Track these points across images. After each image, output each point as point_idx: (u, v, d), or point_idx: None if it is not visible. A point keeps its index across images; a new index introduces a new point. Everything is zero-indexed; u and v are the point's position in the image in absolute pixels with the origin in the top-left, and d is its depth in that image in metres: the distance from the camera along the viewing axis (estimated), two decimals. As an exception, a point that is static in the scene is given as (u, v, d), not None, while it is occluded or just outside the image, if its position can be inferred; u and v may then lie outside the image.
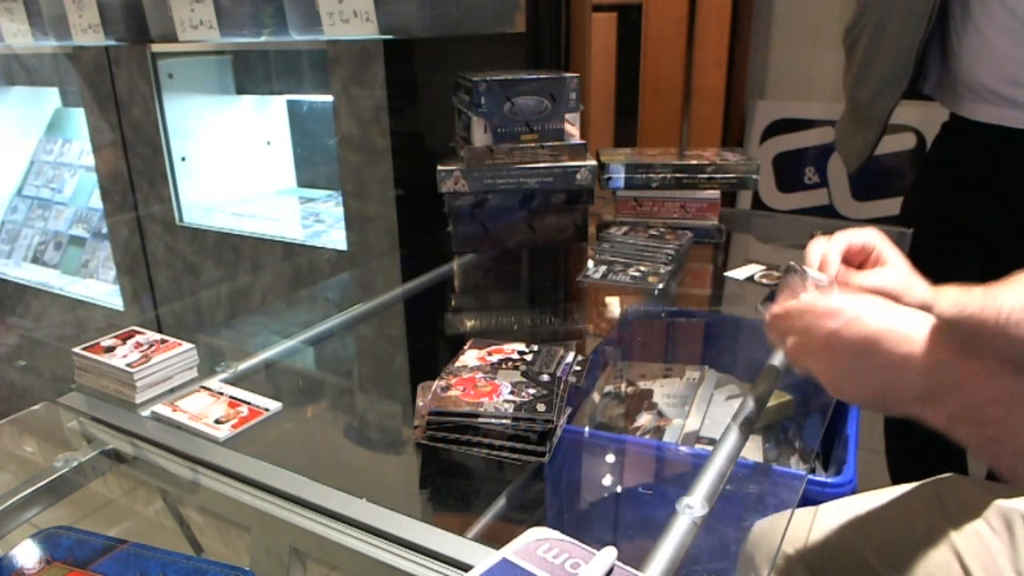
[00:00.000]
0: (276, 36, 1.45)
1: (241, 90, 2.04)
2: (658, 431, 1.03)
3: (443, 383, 0.79)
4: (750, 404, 0.79)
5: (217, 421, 0.80)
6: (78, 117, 2.47)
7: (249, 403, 0.84)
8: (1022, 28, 1.06)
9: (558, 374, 0.82)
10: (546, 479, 0.77)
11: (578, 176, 1.28)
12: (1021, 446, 0.58)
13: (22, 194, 2.76)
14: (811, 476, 0.92)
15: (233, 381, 0.90)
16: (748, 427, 0.76)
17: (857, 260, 0.80)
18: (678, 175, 1.37)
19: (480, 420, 0.73)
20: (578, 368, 0.89)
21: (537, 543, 0.54)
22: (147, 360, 0.85)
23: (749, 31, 2.05)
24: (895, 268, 0.76)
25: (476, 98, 1.23)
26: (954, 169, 1.27)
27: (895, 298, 0.70)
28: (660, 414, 1.07)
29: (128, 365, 0.84)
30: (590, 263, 1.21)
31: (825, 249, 0.78)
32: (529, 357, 0.86)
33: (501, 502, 0.73)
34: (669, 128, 2.20)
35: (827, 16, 1.96)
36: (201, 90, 1.95)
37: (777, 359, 0.87)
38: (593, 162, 1.29)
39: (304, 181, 2.21)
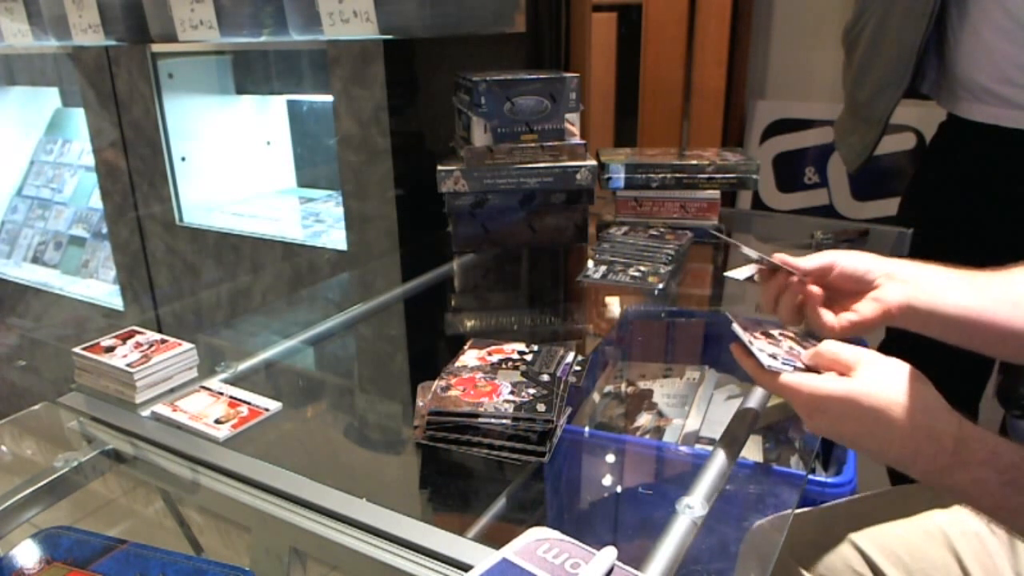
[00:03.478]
0: (276, 36, 1.45)
1: (241, 90, 2.04)
2: (658, 431, 1.03)
3: (443, 383, 0.79)
4: (750, 404, 0.79)
5: (217, 421, 0.80)
6: (78, 117, 2.47)
7: (249, 403, 0.84)
8: (1018, 28, 1.07)
9: (558, 374, 0.82)
10: (546, 479, 0.77)
11: (578, 176, 1.28)
12: None
13: (22, 194, 2.76)
14: (811, 476, 0.92)
15: (233, 381, 0.90)
16: (748, 427, 0.76)
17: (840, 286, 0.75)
18: (678, 175, 1.37)
19: (480, 420, 0.73)
20: (578, 368, 0.89)
21: (537, 543, 0.54)
22: (147, 360, 0.85)
23: (749, 31, 2.05)
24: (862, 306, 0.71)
25: (476, 98, 1.23)
26: (951, 169, 1.27)
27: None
28: (660, 414, 1.07)
29: (128, 365, 0.84)
30: (590, 263, 1.21)
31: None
32: (529, 357, 0.86)
33: (501, 502, 0.73)
34: (669, 128, 2.20)
35: (827, 16, 1.96)
36: (201, 90, 1.95)
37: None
38: (593, 162, 1.29)
39: (304, 181, 2.21)
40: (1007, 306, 0.66)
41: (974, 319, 0.67)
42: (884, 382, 0.60)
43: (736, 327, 0.74)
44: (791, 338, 0.75)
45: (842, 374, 0.63)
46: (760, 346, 0.70)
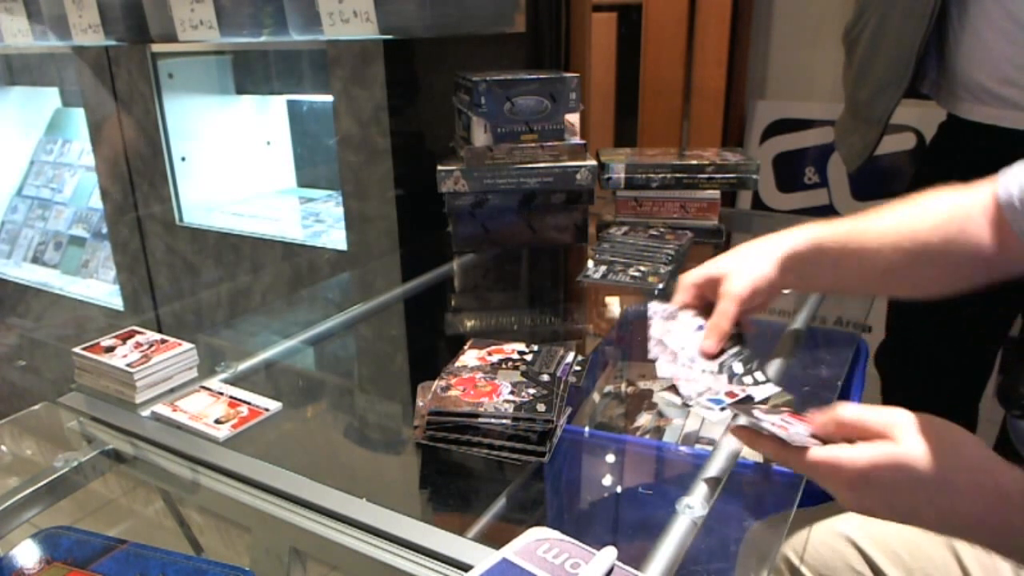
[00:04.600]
0: (276, 36, 1.45)
1: (241, 90, 2.04)
2: (658, 431, 1.03)
3: (443, 383, 0.79)
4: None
5: (217, 421, 0.80)
6: (78, 117, 2.47)
7: (249, 403, 0.84)
8: (1017, 28, 1.07)
9: (558, 374, 0.82)
10: (546, 479, 0.77)
11: (578, 176, 1.28)
12: None
13: (22, 194, 2.76)
14: (811, 476, 0.92)
15: (233, 381, 0.90)
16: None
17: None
18: (678, 175, 1.37)
19: (480, 420, 0.73)
20: (578, 368, 0.89)
21: (537, 543, 0.54)
22: (147, 360, 0.85)
23: (749, 31, 2.05)
24: None
25: (476, 98, 1.23)
26: (951, 169, 1.26)
27: None
28: (660, 414, 1.07)
29: (128, 365, 0.84)
30: (590, 263, 1.21)
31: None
32: (529, 357, 0.86)
33: (501, 502, 0.73)
34: (669, 128, 2.20)
35: (827, 16, 1.96)
36: (201, 90, 1.95)
37: (776, 362, 0.87)
38: (593, 162, 1.29)
39: (304, 181, 2.21)
40: (856, 278, 0.72)
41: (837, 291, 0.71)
42: (934, 442, 0.53)
43: (748, 416, 0.63)
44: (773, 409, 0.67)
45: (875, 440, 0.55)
46: (769, 419, 0.62)
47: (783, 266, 0.80)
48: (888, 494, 0.53)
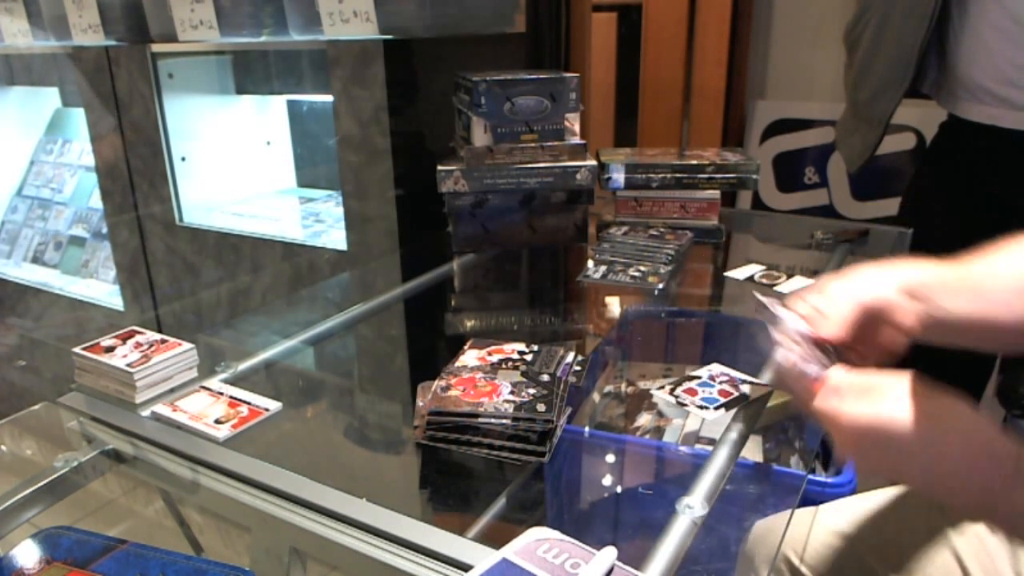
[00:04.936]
0: (276, 36, 1.45)
1: (241, 90, 2.04)
2: (658, 431, 1.03)
3: (443, 383, 0.79)
4: (749, 403, 0.79)
5: (217, 421, 0.80)
6: (78, 117, 2.47)
7: (249, 403, 0.84)
8: (1018, 28, 1.07)
9: (558, 374, 0.82)
10: (546, 479, 0.77)
11: (578, 176, 1.28)
12: None
13: (22, 194, 2.76)
14: (811, 476, 0.92)
15: (233, 381, 0.90)
16: (748, 427, 0.76)
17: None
18: (678, 175, 1.37)
19: (480, 420, 0.73)
20: (578, 368, 0.89)
21: (537, 543, 0.54)
22: (147, 360, 0.85)
23: (749, 31, 2.05)
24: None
25: (476, 98, 1.23)
26: (951, 169, 1.27)
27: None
28: (660, 414, 1.07)
29: (128, 365, 0.84)
30: (590, 263, 1.21)
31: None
32: (529, 357, 0.86)
33: (501, 502, 0.73)
34: (669, 128, 2.20)
35: (827, 16, 1.96)
36: (201, 90, 1.95)
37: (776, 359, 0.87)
38: (593, 162, 1.29)
39: (304, 181, 2.21)
40: (1003, 304, 0.64)
41: (974, 324, 0.64)
42: (931, 405, 0.55)
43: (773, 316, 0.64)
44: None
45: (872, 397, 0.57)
46: (781, 350, 0.64)
47: (904, 292, 0.66)
48: (880, 453, 0.57)
